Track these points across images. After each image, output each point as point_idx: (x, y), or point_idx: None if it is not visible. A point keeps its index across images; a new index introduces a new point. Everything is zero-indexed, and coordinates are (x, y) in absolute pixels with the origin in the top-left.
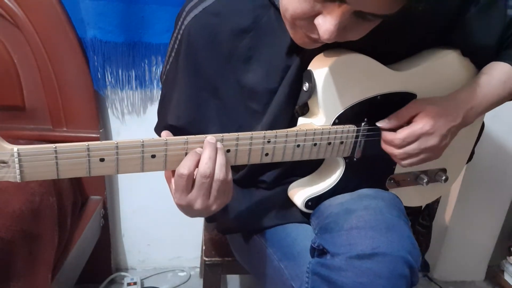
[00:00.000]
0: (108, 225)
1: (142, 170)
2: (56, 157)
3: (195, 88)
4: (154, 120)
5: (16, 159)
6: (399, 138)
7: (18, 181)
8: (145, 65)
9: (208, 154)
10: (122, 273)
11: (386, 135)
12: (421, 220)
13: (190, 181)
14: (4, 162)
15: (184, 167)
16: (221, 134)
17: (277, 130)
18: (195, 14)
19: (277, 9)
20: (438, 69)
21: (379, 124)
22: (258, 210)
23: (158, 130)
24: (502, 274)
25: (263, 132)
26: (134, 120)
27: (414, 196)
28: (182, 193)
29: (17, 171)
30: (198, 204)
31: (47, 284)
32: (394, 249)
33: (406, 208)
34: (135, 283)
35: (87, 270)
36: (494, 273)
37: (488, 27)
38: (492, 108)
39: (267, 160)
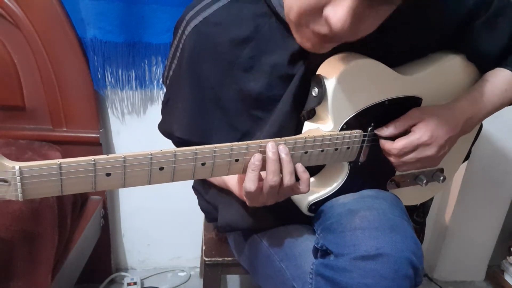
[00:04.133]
0: (108, 225)
1: (149, 183)
2: (60, 173)
3: (198, 98)
4: (154, 120)
5: (18, 178)
6: (396, 148)
7: (20, 199)
8: (145, 65)
9: (272, 169)
10: (122, 273)
11: (384, 144)
12: (415, 216)
13: (259, 191)
14: (5, 181)
15: (250, 185)
16: (230, 144)
17: (285, 138)
18: (195, 24)
19: (278, 17)
20: (443, 73)
21: (377, 132)
22: (260, 210)
23: (161, 129)
24: (502, 274)
25: (272, 140)
26: (134, 120)
27: (412, 196)
28: (253, 200)
29: (19, 190)
30: (269, 202)
31: (47, 284)
32: (398, 250)
33: None
34: (135, 283)
35: (87, 270)
36: (494, 273)
37: (495, 34)
38: (490, 115)
39: None
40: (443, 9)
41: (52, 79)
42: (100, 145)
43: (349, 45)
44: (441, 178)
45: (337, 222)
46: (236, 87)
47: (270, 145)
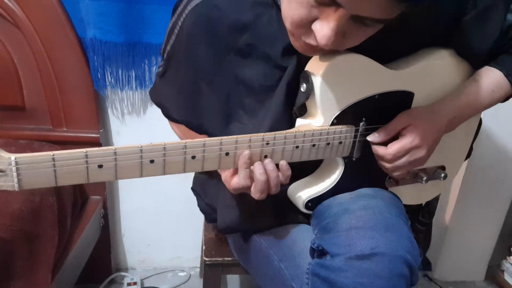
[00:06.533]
0: (108, 225)
1: (141, 176)
2: (54, 164)
3: (192, 79)
4: (154, 120)
5: (14, 168)
6: (389, 153)
7: (16, 189)
8: (145, 65)
9: (259, 188)
10: (122, 273)
11: (377, 150)
12: (421, 217)
13: (248, 189)
14: (1, 171)
15: (237, 185)
16: (219, 138)
17: (275, 132)
18: (196, 4)
19: (279, 9)
20: (435, 68)
21: (369, 138)
22: (259, 210)
23: (153, 98)
24: (502, 274)
25: (261, 134)
26: (134, 120)
27: (414, 194)
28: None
29: (15, 180)
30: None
31: (47, 284)
32: (393, 249)
33: (406, 206)
34: (135, 283)
35: (87, 270)
36: (494, 273)
37: (485, 31)
38: (477, 114)
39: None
40: (437, 7)
41: (52, 79)
42: (100, 145)
43: None
44: (442, 175)
45: (333, 222)
46: (231, 72)
47: (257, 166)
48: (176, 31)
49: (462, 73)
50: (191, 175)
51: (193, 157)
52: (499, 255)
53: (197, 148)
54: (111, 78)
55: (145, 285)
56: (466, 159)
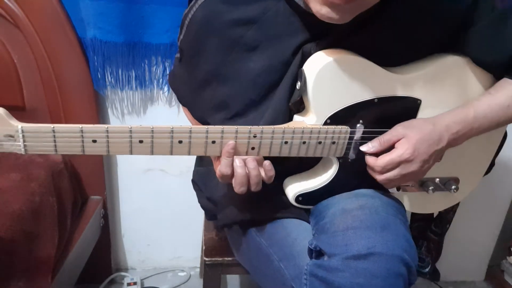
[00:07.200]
0: (108, 225)
1: (131, 153)
2: (53, 135)
3: (200, 73)
4: (154, 120)
5: (21, 134)
6: (378, 165)
7: (23, 153)
8: (145, 65)
9: (240, 181)
10: (122, 273)
11: (369, 160)
12: (433, 227)
13: (230, 179)
14: (11, 136)
15: (219, 172)
16: (206, 126)
17: (263, 126)
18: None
19: (287, 2)
20: (446, 75)
21: (362, 148)
22: (258, 202)
23: (171, 84)
24: (502, 274)
25: (249, 126)
26: (134, 120)
27: (419, 203)
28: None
29: (22, 145)
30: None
31: (47, 284)
32: (390, 249)
33: (417, 214)
34: (135, 283)
35: (87, 270)
36: (494, 273)
37: (503, 37)
38: (490, 130)
39: (253, 153)
40: (441, 5)
41: (52, 79)
42: None
43: (345, 45)
44: (453, 187)
45: (330, 222)
46: (237, 66)
47: (238, 161)
48: (186, 22)
49: (479, 84)
50: (191, 174)
51: (180, 142)
52: (499, 255)
53: (183, 133)
54: (111, 78)
55: (145, 285)
56: (486, 174)
